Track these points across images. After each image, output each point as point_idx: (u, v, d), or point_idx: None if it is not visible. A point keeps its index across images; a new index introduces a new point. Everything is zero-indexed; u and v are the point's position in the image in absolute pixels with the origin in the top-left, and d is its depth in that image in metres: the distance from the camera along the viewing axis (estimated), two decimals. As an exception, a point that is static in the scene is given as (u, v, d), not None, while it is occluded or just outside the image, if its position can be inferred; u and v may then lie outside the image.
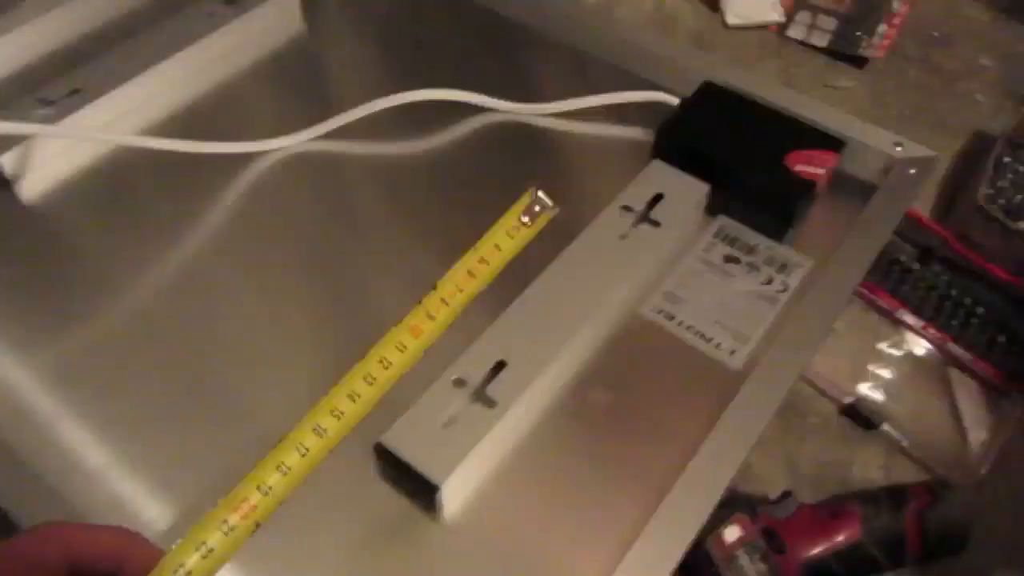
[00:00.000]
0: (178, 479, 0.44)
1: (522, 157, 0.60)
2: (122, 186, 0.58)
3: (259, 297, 0.52)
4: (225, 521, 0.36)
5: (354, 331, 0.50)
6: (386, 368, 0.42)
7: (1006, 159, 1.11)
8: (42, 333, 0.50)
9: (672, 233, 0.53)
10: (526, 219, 0.48)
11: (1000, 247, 1.04)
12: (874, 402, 0.90)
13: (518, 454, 0.45)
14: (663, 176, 0.55)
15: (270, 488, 0.37)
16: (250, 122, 0.61)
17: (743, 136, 0.58)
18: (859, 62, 1.36)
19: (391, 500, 0.43)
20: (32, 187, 0.57)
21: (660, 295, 0.52)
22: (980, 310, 1.02)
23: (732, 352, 0.49)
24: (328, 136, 0.60)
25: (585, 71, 0.67)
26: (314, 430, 0.40)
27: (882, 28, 1.37)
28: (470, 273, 0.46)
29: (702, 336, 0.50)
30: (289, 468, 0.38)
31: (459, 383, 0.44)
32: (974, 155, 1.21)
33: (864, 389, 0.92)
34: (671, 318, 0.51)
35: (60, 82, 0.59)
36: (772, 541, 0.64)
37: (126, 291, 0.52)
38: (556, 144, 0.61)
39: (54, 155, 0.58)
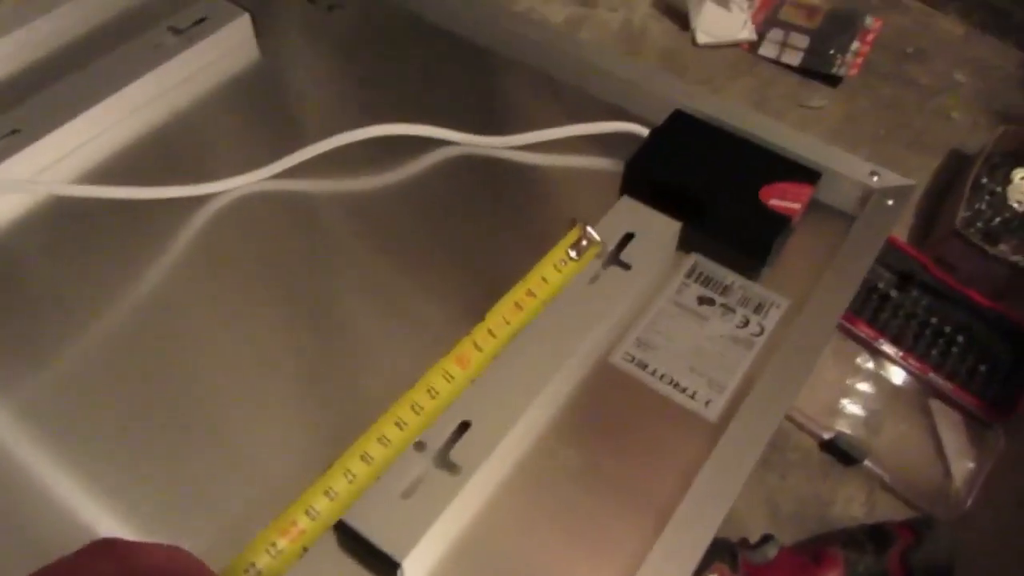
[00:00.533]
0: (151, 513, 0.42)
1: (488, 192, 0.58)
2: (73, 230, 0.54)
3: (227, 334, 0.49)
4: (273, 544, 0.36)
5: (330, 361, 0.48)
6: (433, 397, 0.41)
7: (983, 180, 1.11)
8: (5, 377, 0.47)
9: (643, 275, 0.51)
10: (574, 253, 0.48)
11: (979, 271, 1.03)
12: (854, 436, 0.88)
13: (483, 519, 0.43)
14: (633, 214, 0.53)
15: (318, 512, 0.37)
16: (203, 159, 0.58)
17: (715, 169, 0.55)
18: (833, 81, 1.35)
19: (354, 574, 0.40)
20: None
21: (632, 342, 0.49)
22: (960, 338, 1.01)
23: (708, 403, 0.47)
24: (286, 173, 0.57)
25: (552, 97, 0.64)
26: (361, 457, 0.39)
27: (855, 45, 1.36)
28: (517, 305, 0.45)
29: (676, 385, 0.48)
30: (337, 493, 0.38)
31: (420, 447, 0.41)
32: (951, 174, 1.20)
33: (844, 423, 0.91)
34: (643, 367, 0.48)
35: (-2, 121, 0.56)
36: (753, 590, 0.62)
37: (85, 336, 0.49)
38: (523, 178, 0.59)
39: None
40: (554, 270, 0.47)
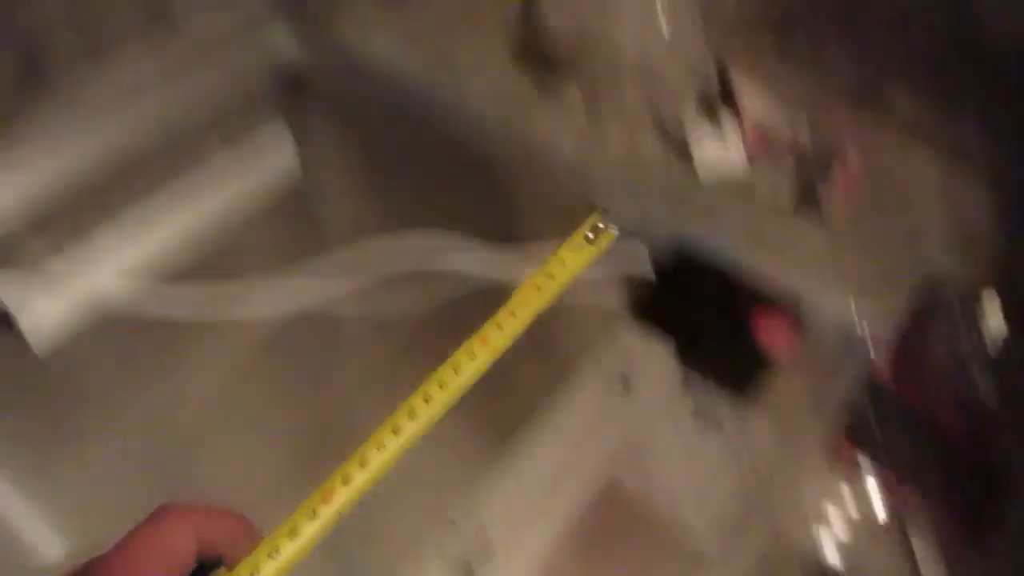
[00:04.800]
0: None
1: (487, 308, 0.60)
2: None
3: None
4: (313, 510, 0.37)
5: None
6: (457, 374, 0.43)
7: (958, 314, 1.15)
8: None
9: (642, 397, 0.54)
10: (591, 235, 0.50)
11: (954, 399, 1.06)
12: (835, 568, 0.90)
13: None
14: (634, 337, 0.57)
15: (351, 479, 0.39)
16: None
17: (710, 303, 0.60)
18: (818, 212, 1.41)
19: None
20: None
21: (626, 462, 0.52)
22: (936, 461, 1.03)
23: (698, 523, 0.50)
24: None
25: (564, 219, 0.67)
26: (392, 430, 0.40)
27: (838, 179, 1.43)
28: (538, 288, 0.47)
29: (669, 505, 0.50)
30: (369, 463, 0.39)
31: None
32: (928, 310, 1.24)
33: (825, 548, 0.92)
34: (637, 486, 0.51)
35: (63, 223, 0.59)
36: None
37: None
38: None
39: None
40: (572, 253, 0.49)
